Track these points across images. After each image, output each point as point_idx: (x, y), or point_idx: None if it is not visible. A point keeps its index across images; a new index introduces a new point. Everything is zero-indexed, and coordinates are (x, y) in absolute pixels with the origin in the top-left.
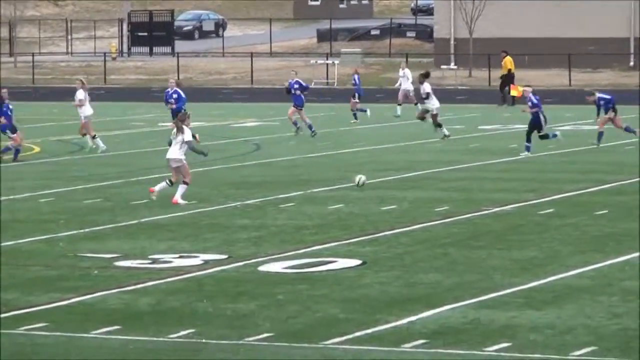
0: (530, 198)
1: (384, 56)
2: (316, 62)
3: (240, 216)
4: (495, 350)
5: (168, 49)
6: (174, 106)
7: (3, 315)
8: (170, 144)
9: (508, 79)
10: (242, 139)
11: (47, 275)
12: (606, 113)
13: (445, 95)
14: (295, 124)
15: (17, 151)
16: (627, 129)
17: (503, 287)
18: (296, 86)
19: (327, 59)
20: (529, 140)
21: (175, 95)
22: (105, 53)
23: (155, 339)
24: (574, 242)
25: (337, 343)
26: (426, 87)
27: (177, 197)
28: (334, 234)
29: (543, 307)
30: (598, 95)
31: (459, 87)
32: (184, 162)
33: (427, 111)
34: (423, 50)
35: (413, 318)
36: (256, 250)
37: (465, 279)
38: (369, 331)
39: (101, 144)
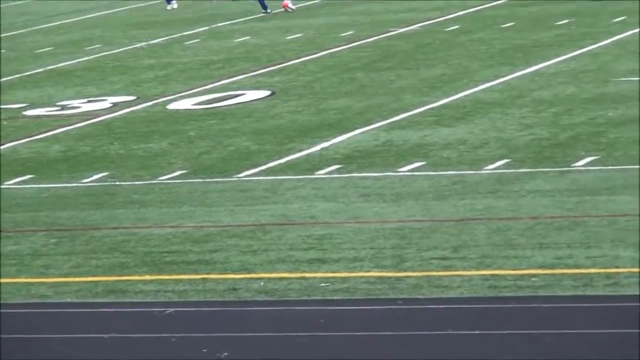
0: (435, 16)
1: None
2: None
3: (146, 56)
4: (410, 170)
5: None
6: None
7: None
8: None
9: None
10: None
11: None
12: None
13: None
14: None
15: None
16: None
17: (413, 106)
18: None
19: None
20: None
21: None
22: None
23: (68, 185)
24: (482, 56)
25: (251, 175)
26: None
27: (287, 1)
28: (241, 66)
29: (454, 124)
30: None
31: None
32: None
33: None
34: None
35: (325, 144)
36: (164, 89)
37: (376, 102)
38: (282, 161)
39: None
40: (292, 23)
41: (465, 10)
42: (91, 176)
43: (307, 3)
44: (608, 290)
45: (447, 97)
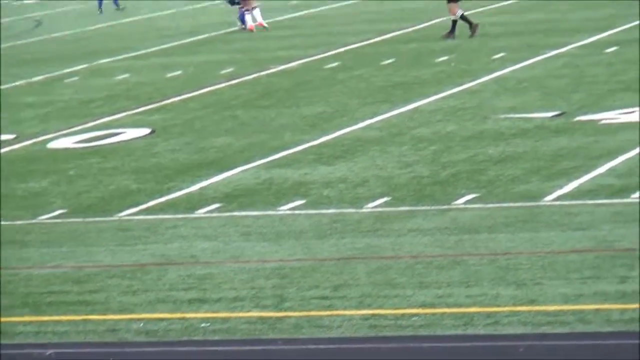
0: (315, 53)
1: None
2: None
3: (26, 94)
4: (290, 209)
5: None
6: None
7: None
8: None
9: None
10: (23, 16)
11: None
12: None
13: None
14: None
15: None
16: None
17: (294, 144)
18: None
19: None
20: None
21: None
22: None
23: None
24: (361, 94)
25: (132, 214)
26: None
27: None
28: (121, 104)
29: (334, 162)
30: None
31: None
32: None
33: None
34: None
35: (205, 183)
36: (44, 128)
37: (256, 140)
38: (162, 200)
39: None
40: (171, 60)
41: (345, 47)
42: None
43: (187, 40)
44: (488, 329)
45: (327, 135)
